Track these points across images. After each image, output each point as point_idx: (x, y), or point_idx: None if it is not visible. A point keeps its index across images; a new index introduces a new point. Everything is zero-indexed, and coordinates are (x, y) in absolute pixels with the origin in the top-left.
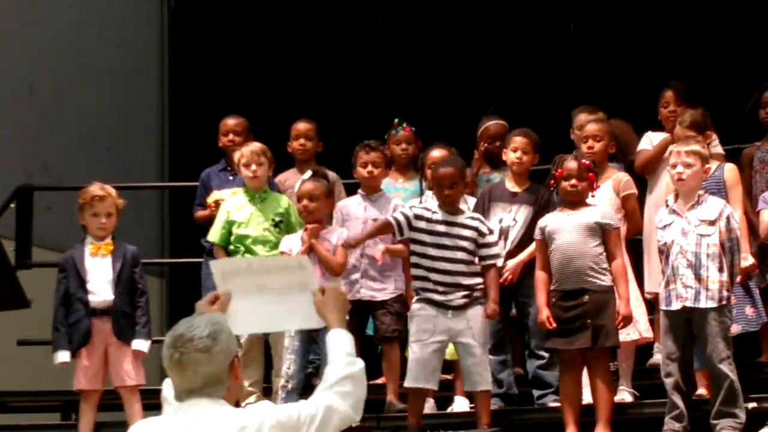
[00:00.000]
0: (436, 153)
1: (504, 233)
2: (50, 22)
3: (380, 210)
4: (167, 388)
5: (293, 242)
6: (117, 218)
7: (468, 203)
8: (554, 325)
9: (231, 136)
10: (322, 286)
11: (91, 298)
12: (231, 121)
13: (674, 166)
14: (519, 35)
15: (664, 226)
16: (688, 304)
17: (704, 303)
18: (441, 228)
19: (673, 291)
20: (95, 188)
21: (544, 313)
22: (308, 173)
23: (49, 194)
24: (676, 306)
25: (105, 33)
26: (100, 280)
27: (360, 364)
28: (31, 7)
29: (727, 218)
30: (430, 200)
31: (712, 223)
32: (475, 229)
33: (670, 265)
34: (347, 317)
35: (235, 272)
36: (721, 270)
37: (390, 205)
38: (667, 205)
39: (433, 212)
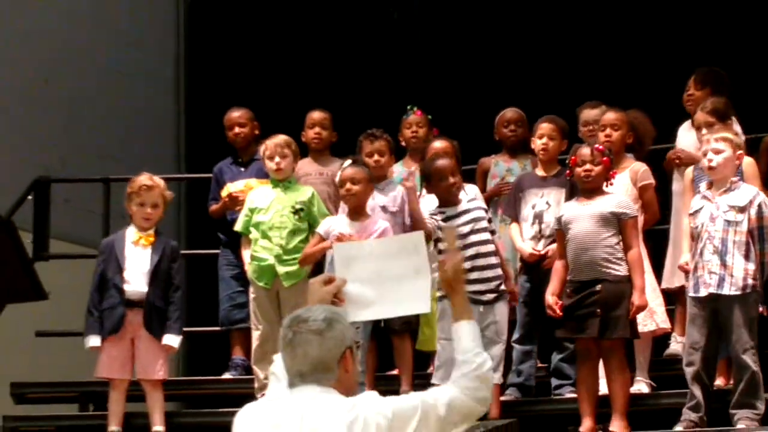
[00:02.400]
0: (438, 144)
1: (538, 217)
2: (67, 18)
3: (389, 198)
4: (277, 363)
5: (333, 223)
6: (163, 210)
7: (466, 191)
8: (560, 313)
9: (236, 129)
10: (442, 258)
11: (125, 287)
12: (234, 114)
13: (705, 154)
14: (530, 28)
15: (695, 212)
16: (712, 290)
17: (728, 290)
18: (458, 221)
19: (700, 278)
20: (144, 178)
21: (551, 300)
22: (348, 161)
23: (67, 187)
24: (702, 293)
25: (121, 29)
26: (136, 270)
27: (488, 362)
28: (49, 3)
29: (759, 206)
30: (430, 202)
31: (742, 210)
32: (481, 208)
33: (698, 251)
34: None
35: (355, 257)
36: (747, 258)
37: (398, 193)
38: (700, 191)
39: (440, 212)
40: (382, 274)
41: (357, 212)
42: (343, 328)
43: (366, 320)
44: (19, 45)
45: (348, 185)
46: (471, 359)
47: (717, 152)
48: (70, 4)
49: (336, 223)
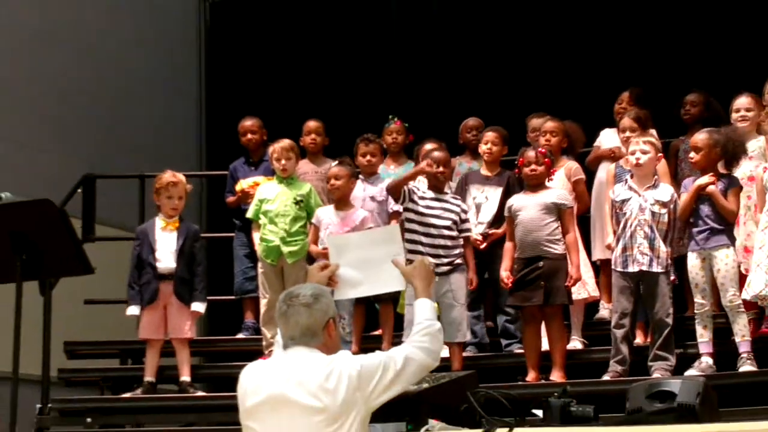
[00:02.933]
0: (429, 146)
1: (477, 207)
2: (108, 37)
3: (377, 190)
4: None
5: (323, 213)
6: (184, 199)
7: (451, 186)
8: (510, 285)
9: (249, 135)
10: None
11: (158, 264)
12: (247, 123)
13: (633, 153)
14: (487, 48)
15: (623, 200)
16: (644, 268)
17: (656, 268)
18: (433, 203)
19: (630, 256)
20: (168, 175)
21: (504, 275)
22: (336, 162)
23: (108, 181)
24: (633, 269)
25: (151, 49)
26: (166, 250)
27: (437, 325)
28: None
29: (675, 202)
30: (421, 184)
31: (665, 205)
32: (458, 206)
33: (628, 234)
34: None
35: (345, 247)
36: (665, 242)
37: (385, 185)
38: (626, 182)
39: (425, 191)
40: (367, 260)
41: (341, 203)
42: (327, 302)
43: (359, 296)
44: (66, 64)
45: (333, 181)
46: (423, 322)
47: (644, 152)
48: (109, 24)
49: (324, 212)
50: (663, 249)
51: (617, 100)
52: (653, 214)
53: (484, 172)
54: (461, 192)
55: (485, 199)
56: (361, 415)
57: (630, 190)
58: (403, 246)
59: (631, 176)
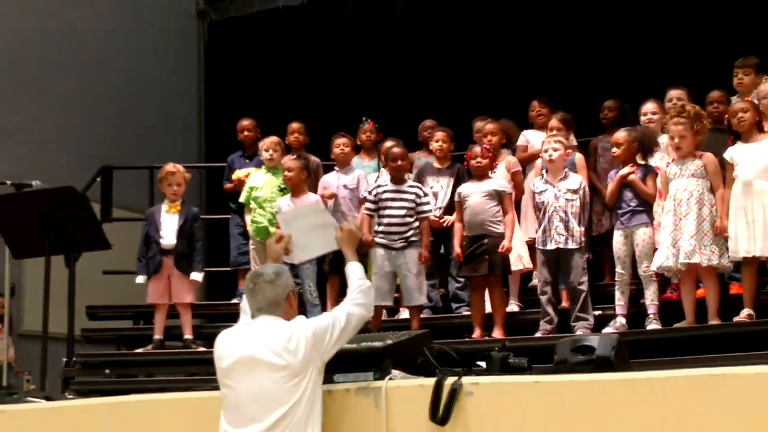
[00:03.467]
0: (389, 143)
1: (434, 195)
2: (124, 48)
3: (349, 179)
4: (244, 302)
5: (281, 200)
6: (185, 186)
7: (411, 176)
8: (461, 259)
9: (245, 133)
10: (339, 225)
11: (162, 241)
12: (245, 122)
13: (546, 151)
14: (440, 58)
15: (541, 192)
16: (561, 246)
17: (571, 245)
18: (391, 195)
19: (548, 237)
20: (169, 166)
21: (456, 251)
22: (293, 156)
23: (123, 171)
24: (551, 246)
25: (161, 60)
26: (169, 230)
27: (367, 283)
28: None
29: (584, 189)
30: (384, 176)
31: (575, 192)
32: (415, 193)
33: (546, 218)
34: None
35: (292, 219)
36: (579, 223)
37: (355, 175)
38: (542, 177)
39: (386, 184)
40: (309, 229)
41: (295, 191)
42: (286, 278)
43: (308, 258)
44: (88, 75)
45: (285, 173)
46: (354, 282)
47: (555, 150)
48: (123, 40)
49: (283, 200)
50: (576, 229)
51: (530, 107)
52: (566, 200)
53: (437, 165)
54: (419, 181)
55: (440, 188)
56: (317, 368)
57: (546, 183)
58: (330, 214)
59: (546, 171)
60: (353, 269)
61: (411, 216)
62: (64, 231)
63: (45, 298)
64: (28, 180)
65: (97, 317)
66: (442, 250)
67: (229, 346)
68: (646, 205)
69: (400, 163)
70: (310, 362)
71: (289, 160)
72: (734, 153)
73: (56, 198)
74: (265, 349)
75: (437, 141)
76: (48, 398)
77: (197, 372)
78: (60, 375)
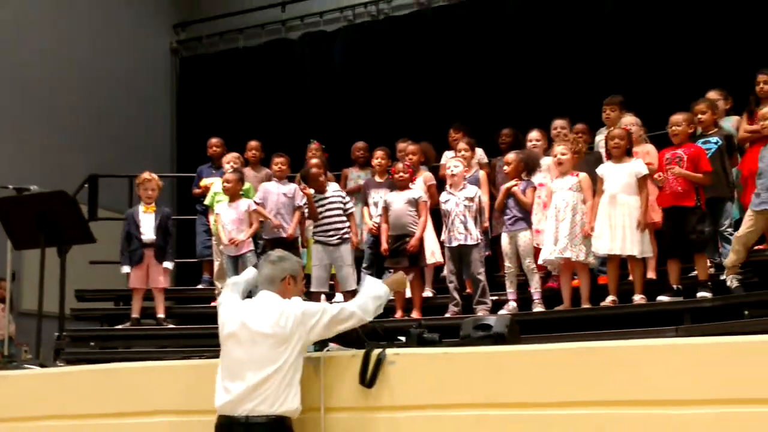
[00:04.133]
0: (314, 161)
1: (375, 204)
2: (105, 71)
3: (286, 189)
4: (236, 278)
5: (219, 207)
6: (158, 191)
7: (331, 186)
8: (387, 253)
9: (214, 149)
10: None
11: (143, 237)
12: (213, 140)
13: (449, 167)
14: (373, 85)
15: (445, 201)
16: (462, 242)
17: (469, 242)
18: (321, 203)
19: (452, 236)
20: (146, 174)
21: (383, 246)
22: (231, 171)
23: (107, 179)
24: (454, 244)
25: (140, 87)
26: (148, 227)
27: (382, 298)
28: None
29: (479, 198)
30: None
31: (471, 199)
32: (338, 196)
33: (450, 222)
34: None
35: None
36: (476, 225)
37: (293, 185)
38: (447, 190)
39: (317, 195)
40: None
41: (232, 198)
42: (290, 263)
43: None
44: (80, 98)
45: (224, 184)
46: (370, 292)
47: (455, 167)
48: (108, 70)
49: (220, 206)
50: (473, 229)
51: (448, 132)
52: (464, 206)
53: (377, 179)
54: (365, 194)
55: (380, 198)
56: (301, 344)
57: (449, 194)
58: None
59: (450, 185)
60: (376, 287)
61: (341, 216)
62: (56, 227)
63: (40, 283)
64: (27, 185)
65: (84, 299)
66: (370, 249)
67: (231, 315)
68: (525, 213)
69: (321, 179)
70: (295, 336)
71: (228, 174)
72: (604, 170)
73: (51, 200)
74: (260, 320)
75: (377, 158)
76: (42, 366)
77: (168, 345)
78: (52, 346)
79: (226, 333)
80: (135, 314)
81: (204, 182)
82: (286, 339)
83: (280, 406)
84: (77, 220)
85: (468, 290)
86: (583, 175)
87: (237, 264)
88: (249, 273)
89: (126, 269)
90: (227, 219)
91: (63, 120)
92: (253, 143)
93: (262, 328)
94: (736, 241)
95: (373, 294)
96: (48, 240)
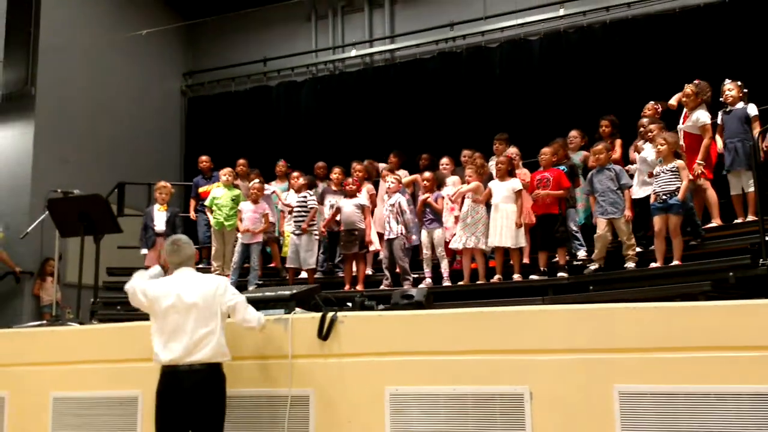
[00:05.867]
0: (295, 173)
1: (331, 206)
2: (127, 106)
3: (264, 200)
4: (142, 274)
5: (243, 205)
6: (170, 196)
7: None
8: (343, 243)
9: (204, 163)
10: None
11: (156, 228)
12: (203, 157)
13: (387, 182)
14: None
15: (385, 208)
16: (391, 236)
17: (392, 236)
18: (296, 201)
19: (389, 230)
20: (161, 183)
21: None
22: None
23: (132, 186)
24: (388, 237)
25: (155, 116)
26: (160, 221)
27: (263, 321)
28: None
29: (398, 205)
30: (291, 194)
31: (393, 206)
32: (303, 195)
33: (386, 221)
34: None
35: None
36: (398, 224)
37: (270, 194)
38: (384, 200)
39: (296, 197)
40: None
41: (254, 201)
42: (191, 243)
43: None
44: (112, 128)
45: (251, 191)
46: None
47: (392, 183)
48: (129, 105)
49: (244, 204)
50: (395, 226)
51: (388, 159)
52: (389, 211)
53: (333, 187)
54: (321, 198)
55: (335, 202)
56: (222, 312)
57: (384, 202)
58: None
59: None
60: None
61: (305, 212)
62: (93, 221)
63: (80, 262)
64: (71, 189)
65: (113, 274)
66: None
67: (165, 290)
68: (437, 216)
69: (300, 181)
70: (217, 306)
71: (255, 183)
72: (492, 186)
73: (89, 201)
74: (197, 290)
75: (335, 173)
76: (81, 323)
77: None
78: (89, 309)
79: (165, 306)
80: None
81: (204, 188)
82: (210, 307)
83: (213, 357)
84: (108, 215)
85: (398, 270)
86: (476, 182)
87: (248, 250)
88: (155, 270)
89: (144, 251)
90: (246, 215)
91: (99, 143)
92: (241, 161)
93: (194, 299)
94: (596, 240)
95: (258, 315)
96: (86, 230)
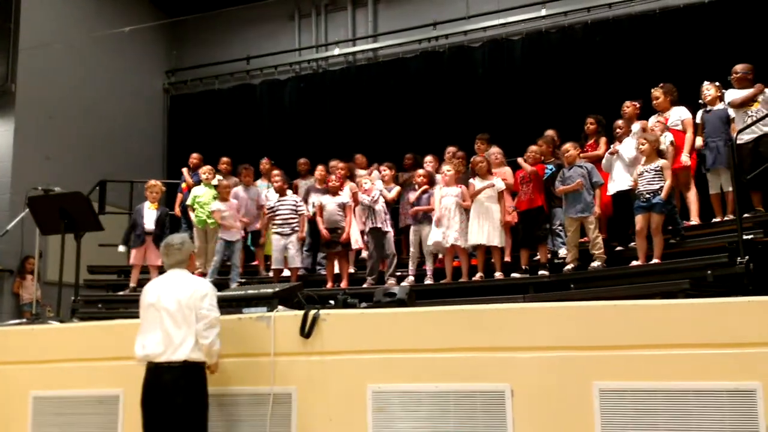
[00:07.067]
0: (275, 172)
1: (314, 204)
2: (110, 104)
3: (250, 194)
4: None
5: (216, 205)
6: (161, 194)
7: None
8: (327, 240)
9: (194, 161)
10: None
11: (145, 226)
12: (194, 155)
13: (366, 184)
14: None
15: (366, 205)
16: (386, 229)
17: (384, 228)
18: (279, 204)
19: (371, 224)
20: (152, 182)
21: (325, 233)
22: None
23: (113, 183)
24: (385, 229)
25: (137, 117)
26: (149, 219)
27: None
28: (104, 92)
29: (383, 204)
30: (272, 193)
31: (376, 202)
32: (294, 201)
33: (369, 218)
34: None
35: None
36: (385, 221)
37: (258, 190)
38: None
39: (277, 197)
40: None
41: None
42: (188, 245)
43: None
44: (95, 126)
45: (219, 188)
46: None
47: (371, 183)
48: (113, 102)
49: (215, 203)
50: (382, 220)
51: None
52: (374, 208)
53: (318, 186)
54: (306, 196)
55: (319, 200)
56: (198, 317)
57: (366, 201)
58: None
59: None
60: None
61: (293, 215)
62: (73, 218)
63: (61, 259)
64: (52, 186)
65: (94, 272)
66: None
67: (151, 288)
68: (426, 214)
69: (278, 184)
70: (196, 308)
71: (222, 181)
72: (474, 184)
73: (70, 198)
74: (176, 294)
75: (319, 171)
76: (61, 321)
77: None
78: (69, 307)
79: (147, 303)
80: (133, 284)
81: (185, 184)
82: (189, 308)
83: (191, 356)
84: (89, 213)
85: (382, 268)
86: (463, 187)
87: (230, 248)
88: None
89: (122, 248)
90: (227, 213)
91: (81, 140)
92: (224, 159)
93: (186, 299)
94: (568, 242)
95: (214, 341)
96: (67, 228)
